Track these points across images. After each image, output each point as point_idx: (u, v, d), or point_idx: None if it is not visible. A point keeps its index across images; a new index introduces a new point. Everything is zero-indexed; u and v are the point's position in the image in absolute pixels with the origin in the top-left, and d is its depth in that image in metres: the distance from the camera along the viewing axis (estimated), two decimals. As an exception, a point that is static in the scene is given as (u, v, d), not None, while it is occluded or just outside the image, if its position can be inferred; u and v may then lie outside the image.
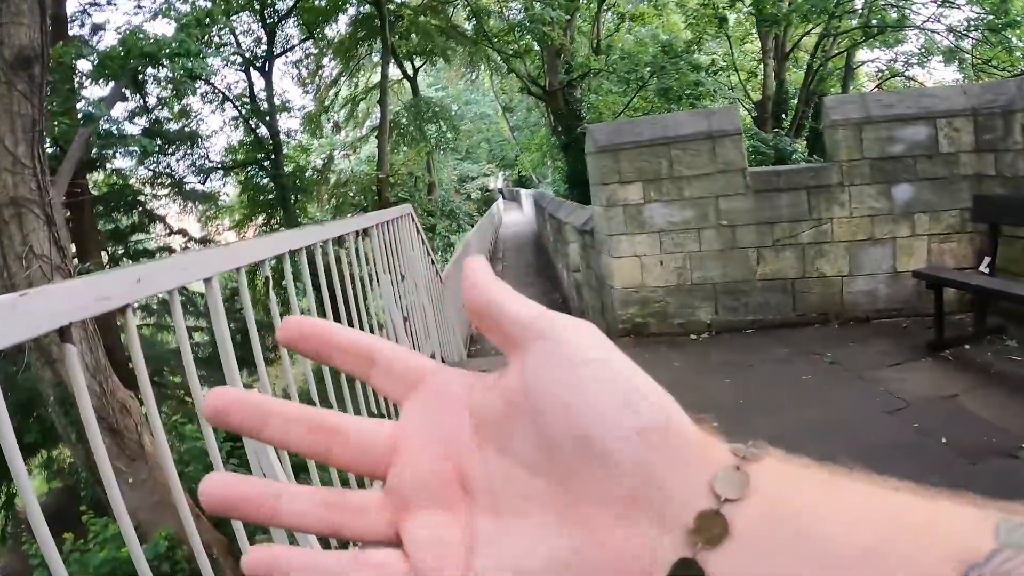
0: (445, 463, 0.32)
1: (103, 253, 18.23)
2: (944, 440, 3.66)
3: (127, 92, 16.19)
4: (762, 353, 5.21)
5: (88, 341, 7.73)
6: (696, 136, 5.24)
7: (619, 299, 5.61)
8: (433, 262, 6.10)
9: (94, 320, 8.07)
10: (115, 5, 18.04)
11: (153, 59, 11.73)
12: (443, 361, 5.70)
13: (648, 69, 17.31)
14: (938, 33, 19.82)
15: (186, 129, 20.96)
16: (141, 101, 16.68)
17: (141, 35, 11.99)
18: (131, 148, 15.03)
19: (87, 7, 17.30)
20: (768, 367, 4.91)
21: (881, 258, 5.52)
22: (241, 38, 22.57)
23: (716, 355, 5.24)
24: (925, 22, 19.55)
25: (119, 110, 17.31)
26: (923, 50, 21.10)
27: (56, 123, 10.78)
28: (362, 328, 3.38)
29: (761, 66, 23.27)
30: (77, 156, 11.13)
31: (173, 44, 11.73)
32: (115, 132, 13.03)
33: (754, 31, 24.40)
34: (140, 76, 14.41)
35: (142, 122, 17.81)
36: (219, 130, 24.67)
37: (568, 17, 16.75)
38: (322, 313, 2.92)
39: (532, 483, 0.29)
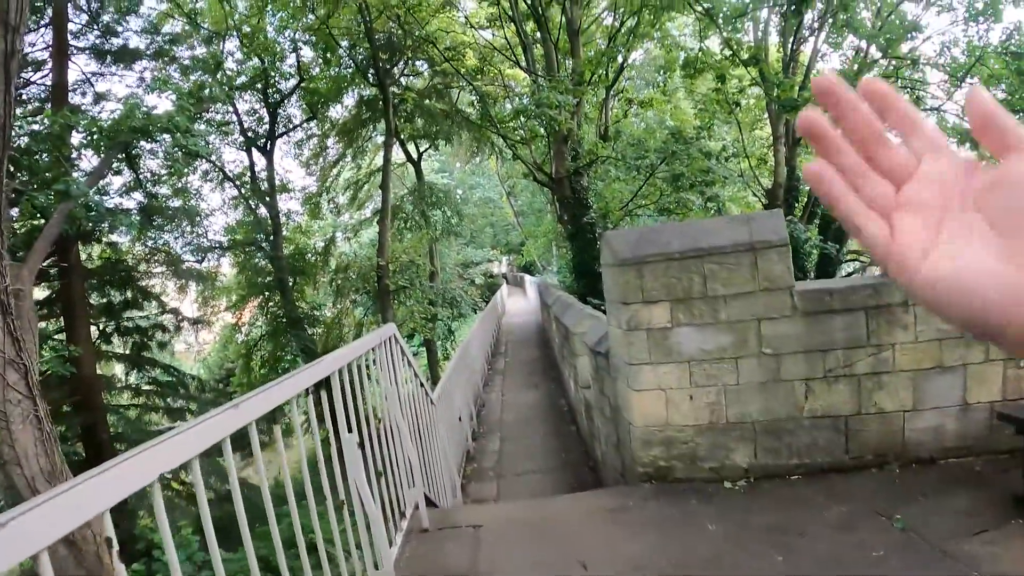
0: (944, 192, 0.51)
1: (93, 328, 17.58)
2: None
3: (123, 166, 15.75)
4: (815, 512, 4.24)
5: (44, 443, 6.87)
6: (735, 248, 4.39)
7: (639, 438, 4.67)
8: (422, 384, 5.21)
9: (49, 417, 7.19)
10: (119, 76, 17.81)
11: (144, 133, 11.24)
12: (428, 505, 4.77)
13: (657, 155, 16.79)
14: (953, 114, 19.44)
15: (185, 206, 20.57)
16: (134, 176, 16.15)
17: (138, 108, 11.61)
18: (117, 223, 14.49)
19: (89, 76, 17.08)
20: (827, 537, 3.93)
21: (949, 388, 4.62)
22: (243, 117, 22.43)
23: (759, 514, 4.27)
24: (942, 104, 19.18)
25: (117, 184, 16.90)
26: (937, 131, 20.66)
27: (31, 196, 10.21)
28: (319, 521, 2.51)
29: (771, 152, 22.88)
30: (55, 232, 10.49)
31: (163, 119, 11.28)
32: (101, 206, 12.44)
33: (764, 116, 24.16)
34: (133, 150, 13.92)
35: (138, 197, 17.32)
36: (218, 209, 24.30)
37: (576, 101, 16.31)
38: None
39: (990, 233, 0.48)
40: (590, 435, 7.14)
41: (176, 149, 13.01)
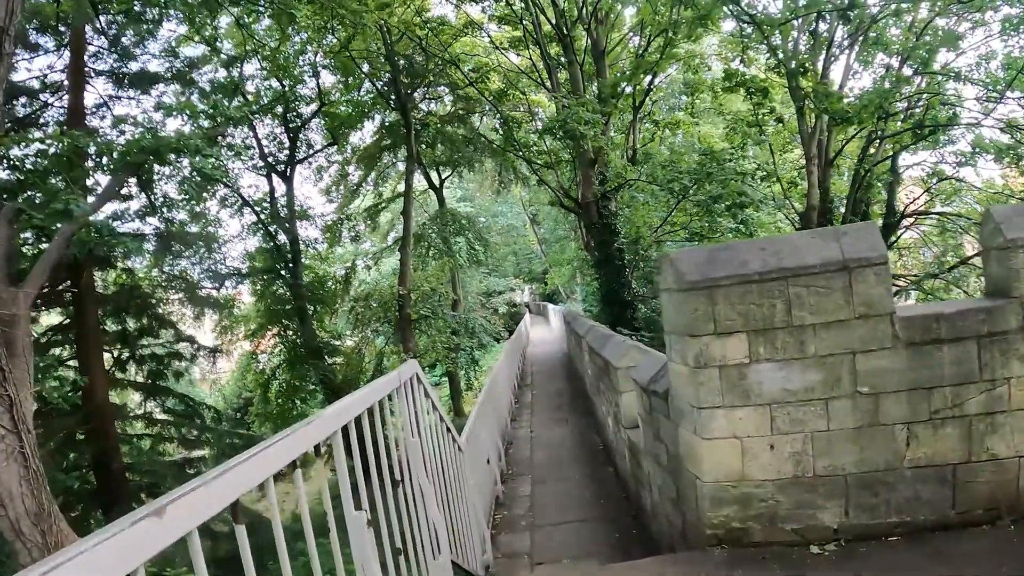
0: None
1: (107, 355, 17.14)
2: None
3: (138, 190, 15.35)
4: (929, 587, 3.47)
5: (30, 482, 6.32)
6: (825, 267, 3.65)
7: (709, 496, 3.91)
8: (449, 429, 4.51)
9: (36, 453, 6.58)
10: (137, 100, 17.50)
11: (156, 155, 10.75)
12: (457, 573, 4.04)
13: (691, 176, 16.10)
14: (994, 128, 18.57)
15: (203, 232, 20.17)
16: (147, 200, 15.72)
17: (149, 130, 11.18)
18: (128, 248, 14.03)
19: (107, 100, 16.78)
20: (955, 625, 3.16)
21: (1071, 430, 3.86)
22: (263, 141, 22.09)
23: (860, 590, 3.49)
24: (983, 118, 18.33)
25: (134, 209, 16.55)
26: (974, 148, 19.76)
27: (31, 214, 9.75)
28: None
29: (800, 175, 22.10)
30: (54, 256, 10.00)
31: (174, 140, 10.79)
32: (106, 230, 11.95)
33: (796, 138, 23.41)
34: (144, 175, 13.47)
35: (154, 222, 16.92)
36: (237, 235, 23.90)
37: (605, 120, 15.71)
38: None
39: None
40: (635, 480, 6.36)
41: (192, 173, 12.56)
